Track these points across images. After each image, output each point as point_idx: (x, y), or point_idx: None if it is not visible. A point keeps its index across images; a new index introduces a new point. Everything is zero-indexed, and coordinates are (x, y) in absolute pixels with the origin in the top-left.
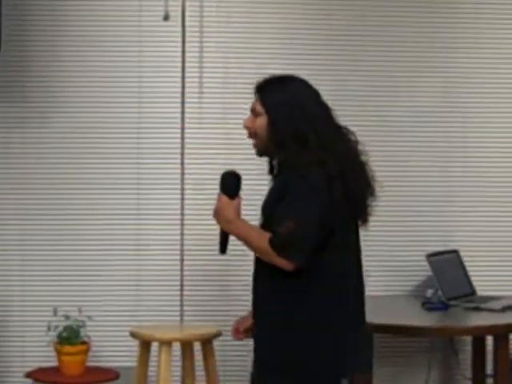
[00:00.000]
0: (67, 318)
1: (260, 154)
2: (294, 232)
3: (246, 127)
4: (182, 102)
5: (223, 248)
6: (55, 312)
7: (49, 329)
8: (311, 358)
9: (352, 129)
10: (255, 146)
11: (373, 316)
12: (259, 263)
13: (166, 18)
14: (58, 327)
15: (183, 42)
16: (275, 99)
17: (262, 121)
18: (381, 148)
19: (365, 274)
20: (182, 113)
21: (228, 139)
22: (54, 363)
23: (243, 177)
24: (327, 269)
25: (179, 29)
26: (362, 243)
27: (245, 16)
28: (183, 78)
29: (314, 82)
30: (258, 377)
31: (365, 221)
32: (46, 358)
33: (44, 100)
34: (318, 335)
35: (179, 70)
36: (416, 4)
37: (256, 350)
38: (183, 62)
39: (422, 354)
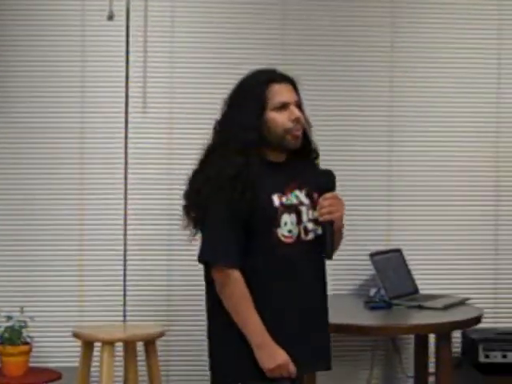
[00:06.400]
0: (9, 318)
1: (298, 146)
2: None
3: (299, 119)
4: (126, 102)
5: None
6: None
7: None
8: None
9: None
10: (300, 138)
11: None
12: (321, 265)
13: (111, 17)
14: (0, 328)
15: (127, 42)
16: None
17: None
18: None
19: None
20: (126, 113)
21: (172, 139)
22: None
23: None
24: None
25: (123, 28)
26: None
27: (189, 15)
28: (127, 77)
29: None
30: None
31: None
32: None
33: None
34: None
35: (123, 69)
36: None
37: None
38: (127, 61)
39: (364, 352)
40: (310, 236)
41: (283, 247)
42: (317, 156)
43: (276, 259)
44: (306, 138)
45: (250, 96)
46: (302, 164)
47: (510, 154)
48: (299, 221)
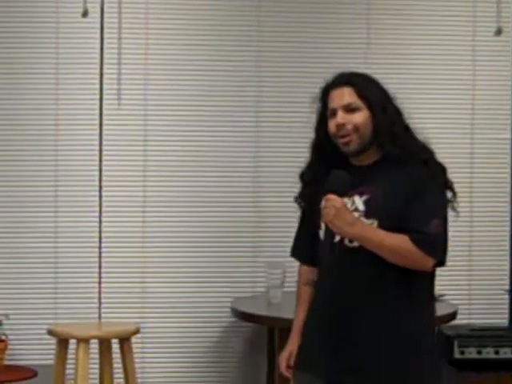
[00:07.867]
0: None
1: (360, 150)
2: (442, 231)
3: (342, 124)
4: (100, 100)
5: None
6: None
7: None
8: None
9: None
10: (353, 143)
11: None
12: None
13: (85, 14)
14: None
15: (102, 38)
16: (374, 93)
17: (363, 115)
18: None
19: None
20: (100, 108)
21: (146, 135)
22: None
23: (163, 175)
24: None
25: (98, 25)
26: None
27: (163, 11)
28: (101, 72)
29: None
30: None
31: None
32: None
33: None
34: None
35: (97, 66)
36: None
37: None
38: (101, 58)
39: None
40: (356, 243)
41: (323, 248)
42: (426, 161)
43: (320, 259)
44: (381, 139)
45: (318, 106)
46: (390, 169)
47: (485, 151)
48: None
